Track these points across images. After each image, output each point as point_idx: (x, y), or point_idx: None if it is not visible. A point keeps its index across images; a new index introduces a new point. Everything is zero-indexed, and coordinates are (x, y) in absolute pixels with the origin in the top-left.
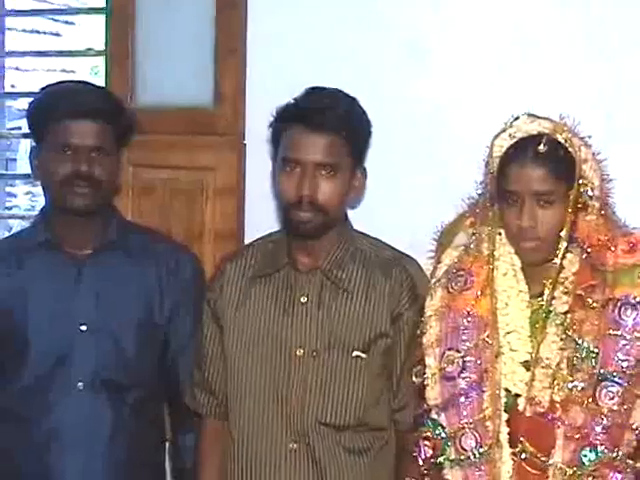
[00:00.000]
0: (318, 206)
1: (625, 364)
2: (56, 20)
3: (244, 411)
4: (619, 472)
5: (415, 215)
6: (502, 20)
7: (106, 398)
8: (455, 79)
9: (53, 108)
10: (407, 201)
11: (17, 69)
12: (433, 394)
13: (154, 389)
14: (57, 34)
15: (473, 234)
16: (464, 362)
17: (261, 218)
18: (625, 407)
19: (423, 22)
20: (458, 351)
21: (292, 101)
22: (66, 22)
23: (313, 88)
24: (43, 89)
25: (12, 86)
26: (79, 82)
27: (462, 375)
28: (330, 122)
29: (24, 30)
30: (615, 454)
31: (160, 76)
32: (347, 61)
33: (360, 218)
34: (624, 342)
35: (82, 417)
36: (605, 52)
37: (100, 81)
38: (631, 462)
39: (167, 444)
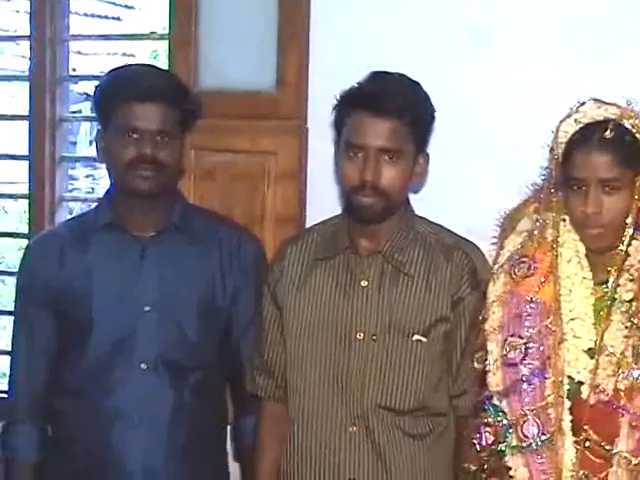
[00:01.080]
0: (380, 191)
1: None
2: (117, 4)
3: (303, 394)
4: None
5: (474, 201)
6: (565, 4)
7: (168, 379)
8: (518, 65)
9: (119, 91)
10: (467, 186)
11: (79, 53)
12: (495, 380)
13: (216, 372)
14: (118, 18)
15: (537, 220)
16: (527, 349)
17: (322, 203)
18: None
19: (486, 6)
20: (521, 337)
21: (356, 85)
22: (126, 6)
23: (377, 72)
24: (109, 72)
25: (73, 69)
26: (145, 65)
27: (524, 362)
28: (394, 107)
29: (85, 14)
30: None
31: (223, 60)
32: (410, 45)
33: (426, 204)
34: None
35: (144, 397)
36: None
37: (160, 65)
38: None
39: (229, 427)
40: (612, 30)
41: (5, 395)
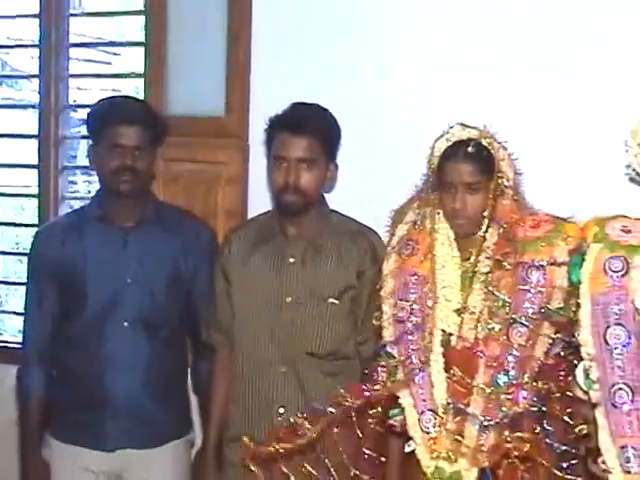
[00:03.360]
0: (300, 191)
1: (530, 311)
2: (107, 52)
3: (247, 344)
4: (525, 390)
5: (377, 198)
6: (444, 53)
7: (144, 334)
8: (409, 95)
9: (106, 116)
10: (371, 187)
11: (78, 88)
12: (388, 332)
13: (180, 328)
14: (109, 62)
15: (419, 213)
16: (411, 309)
17: (260, 200)
18: (530, 343)
19: (387, 51)
20: (407, 301)
21: (280, 112)
22: (114, 53)
23: (296, 103)
24: (98, 102)
25: (74, 101)
26: (125, 96)
27: (410, 319)
28: (309, 128)
29: (83, 59)
30: (522, 377)
31: (185, 93)
32: (329, 80)
33: (335, 200)
34: (530, 295)
35: (127, 347)
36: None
37: (138, 97)
38: (534, 383)
39: (189, 369)
40: (488, 64)
41: (20, 346)
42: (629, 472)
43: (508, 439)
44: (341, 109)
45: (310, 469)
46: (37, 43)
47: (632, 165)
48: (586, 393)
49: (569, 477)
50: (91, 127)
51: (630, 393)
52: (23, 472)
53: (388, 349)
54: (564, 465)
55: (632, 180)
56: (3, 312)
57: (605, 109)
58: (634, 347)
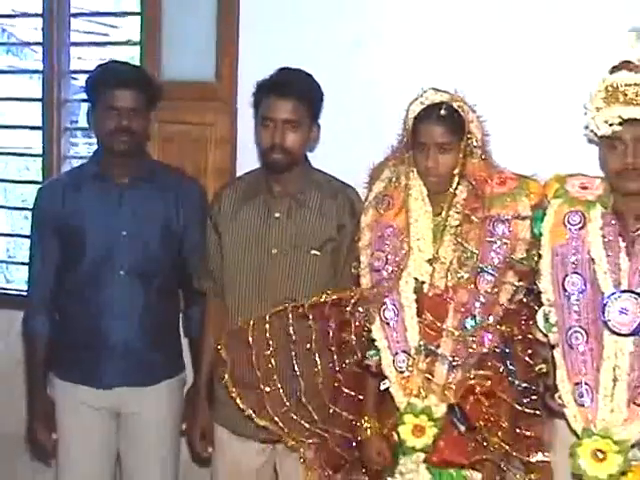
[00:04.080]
0: (286, 150)
1: (496, 261)
2: (105, 24)
3: (235, 291)
4: (490, 333)
5: (355, 157)
6: (416, 25)
7: (139, 282)
8: (386, 64)
9: (103, 80)
10: (351, 146)
11: (79, 58)
12: (365, 280)
13: (172, 277)
14: (106, 34)
15: (394, 171)
16: (387, 259)
17: (247, 160)
18: (495, 290)
19: (363, 24)
20: (383, 251)
21: (267, 77)
22: (112, 26)
23: (282, 68)
24: (96, 67)
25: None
26: (121, 62)
27: (385, 268)
28: (294, 92)
29: (84, 31)
30: (488, 321)
31: (177, 59)
32: (312, 48)
33: (319, 159)
34: (496, 246)
35: (123, 295)
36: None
37: (136, 63)
38: (499, 327)
39: (181, 314)
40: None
41: (25, 293)
42: (582, 405)
43: (474, 377)
44: (322, 75)
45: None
46: (40, 13)
47: (590, 127)
48: (545, 336)
49: (529, 411)
50: (89, 91)
51: (585, 335)
52: (30, 406)
53: (366, 294)
54: (525, 401)
55: (590, 141)
56: (11, 263)
57: (566, 75)
58: (589, 294)
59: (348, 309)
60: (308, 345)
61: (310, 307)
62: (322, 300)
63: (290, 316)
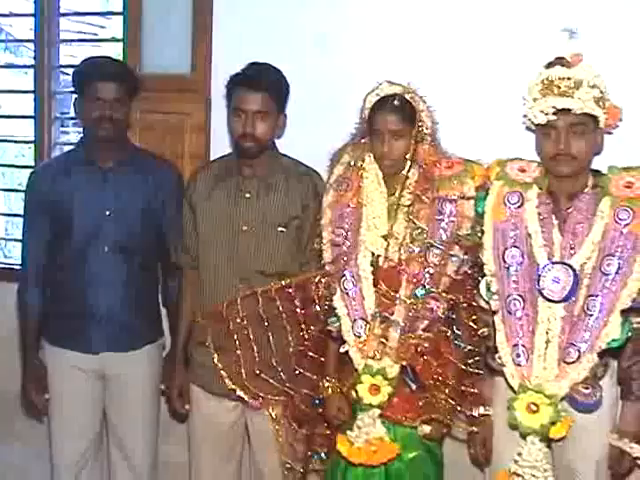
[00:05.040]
0: (256, 138)
1: (444, 237)
2: (93, 24)
3: (209, 265)
4: (438, 301)
5: (319, 143)
6: (373, 22)
7: (122, 257)
8: (346, 58)
9: (88, 73)
10: (314, 134)
11: (71, 56)
12: (327, 255)
13: (151, 252)
14: (94, 34)
15: (352, 156)
16: (346, 235)
17: (220, 145)
18: (443, 262)
19: (327, 19)
20: (342, 228)
21: (239, 71)
22: (100, 26)
23: (252, 63)
24: (82, 62)
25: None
26: (105, 57)
27: (344, 243)
28: (263, 85)
29: (75, 31)
30: (436, 291)
31: (157, 54)
32: (280, 44)
33: (286, 145)
34: (443, 223)
35: (108, 269)
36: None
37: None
38: (446, 295)
39: (160, 286)
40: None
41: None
42: (519, 365)
43: (424, 340)
44: (289, 69)
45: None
46: (32, 13)
47: (528, 116)
48: (487, 303)
49: (473, 371)
50: (76, 83)
51: (522, 302)
52: (24, 369)
53: (327, 268)
54: (469, 361)
55: (528, 129)
56: (9, 240)
57: (506, 70)
58: (526, 265)
59: (312, 287)
60: (278, 320)
61: (277, 290)
62: (287, 283)
63: (260, 300)
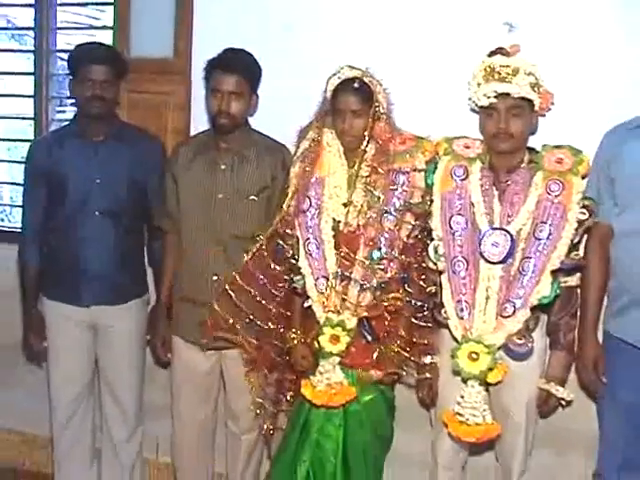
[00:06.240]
0: (231, 115)
1: (397, 205)
2: (88, 16)
3: (189, 229)
4: (392, 262)
5: (287, 121)
6: (341, 14)
7: (110, 221)
8: (311, 44)
9: (81, 57)
10: (283, 112)
11: (67, 44)
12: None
13: (137, 216)
14: (90, 25)
15: (317, 132)
16: (310, 202)
17: (199, 122)
18: (397, 228)
19: (294, 10)
20: (308, 197)
21: (216, 56)
22: (94, 17)
23: (227, 48)
24: (75, 47)
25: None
26: (96, 43)
27: (309, 209)
28: (237, 68)
29: (69, 21)
30: (391, 253)
31: (143, 40)
32: (252, 31)
33: (258, 122)
34: (397, 193)
35: (98, 230)
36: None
37: (109, 43)
38: (399, 257)
39: (145, 247)
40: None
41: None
42: (462, 318)
43: (381, 297)
44: (261, 53)
45: None
46: (33, 4)
47: (472, 99)
48: (435, 264)
49: (422, 324)
50: (70, 66)
51: (465, 263)
52: (25, 321)
53: (292, 232)
54: (419, 315)
55: (472, 110)
56: (14, 206)
57: (454, 58)
58: (469, 230)
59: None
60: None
61: (242, 277)
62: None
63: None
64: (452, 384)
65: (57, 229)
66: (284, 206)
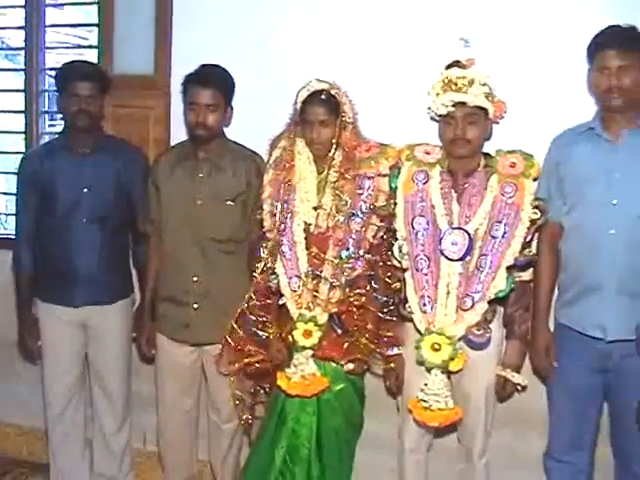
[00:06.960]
0: (207, 127)
1: (364, 207)
2: (75, 36)
3: (170, 232)
4: (359, 261)
5: (260, 131)
6: (308, 31)
7: (97, 226)
8: (281, 59)
9: (68, 74)
10: (256, 123)
11: (57, 63)
12: (267, 224)
13: (122, 222)
14: (78, 45)
15: (288, 141)
16: (282, 206)
17: (179, 133)
18: (363, 229)
19: (266, 28)
20: (278, 201)
21: (193, 71)
22: (81, 37)
23: (203, 65)
24: (62, 65)
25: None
26: (81, 61)
27: (282, 214)
28: (212, 82)
29: (58, 41)
30: (358, 252)
31: (126, 58)
32: (226, 48)
33: (233, 132)
34: (363, 196)
35: (86, 236)
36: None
37: (94, 61)
38: (366, 256)
39: (130, 250)
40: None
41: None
42: (425, 312)
43: (350, 294)
44: (235, 68)
45: None
46: (23, 26)
47: (432, 108)
48: (399, 262)
49: (388, 318)
50: (57, 82)
51: (427, 261)
52: (19, 321)
53: (268, 235)
54: (385, 310)
55: (432, 118)
56: (9, 215)
57: (414, 70)
58: (430, 230)
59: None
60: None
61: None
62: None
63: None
64: (417, 373)
65: (48, 234)
66: (258, 210)
